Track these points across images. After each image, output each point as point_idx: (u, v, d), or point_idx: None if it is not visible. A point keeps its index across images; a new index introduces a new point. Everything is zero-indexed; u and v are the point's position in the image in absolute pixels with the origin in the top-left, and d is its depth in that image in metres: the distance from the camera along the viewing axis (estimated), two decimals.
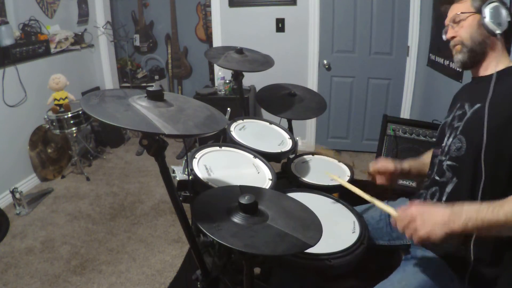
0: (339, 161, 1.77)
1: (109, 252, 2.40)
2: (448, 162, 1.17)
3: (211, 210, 0.97)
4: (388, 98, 3.67)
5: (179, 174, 1.27)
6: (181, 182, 1.25)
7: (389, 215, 1.42)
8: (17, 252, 2.41)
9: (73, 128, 3.16)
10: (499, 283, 1.08)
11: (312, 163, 1.74)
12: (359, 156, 3.79)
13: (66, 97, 3.21)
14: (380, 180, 1.42)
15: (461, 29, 1.19)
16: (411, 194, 1.43)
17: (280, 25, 3.66)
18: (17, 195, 2.82)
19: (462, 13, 1.18)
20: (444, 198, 1.17)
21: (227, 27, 3.80)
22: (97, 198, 3.09)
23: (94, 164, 3.73)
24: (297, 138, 1.76)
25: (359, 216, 1.31)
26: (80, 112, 3.17)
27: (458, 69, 2.41)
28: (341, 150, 3.24)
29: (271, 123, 1.87)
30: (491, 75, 1.12)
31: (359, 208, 1.44)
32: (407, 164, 1.42)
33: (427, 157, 1.41)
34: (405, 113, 3.60)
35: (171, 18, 4.39)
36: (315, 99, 1.99)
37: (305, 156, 1.78)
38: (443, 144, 1.23)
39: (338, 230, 1.23)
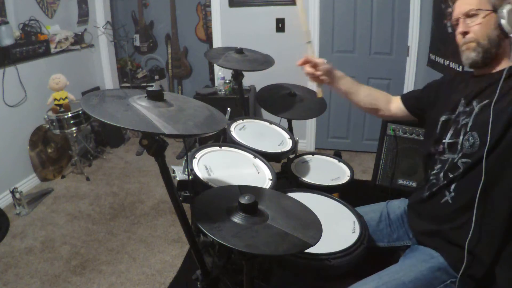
0: (339, 161, 1.77)
1: (109, 252, 2.40)
2: (463, 160, 1.15)
3: (211, 210, 0.97)
4: None
5: (179, 174, 1.27)
6: (181, 182, 1.25)
7: (388, 216, 1.42)
8: (17, 252, 2.41)
9: (73, 128, 3.16)
10: (498, 280, 1.08)
11: (312, 163, 1.74)
12: (359, 156, 3.79)
13: (66, 97, 3.21)
14: (308, 69, 1.51)
15: (476, 27, 1.14)
16: (411, 194, 1.42)
17: (280, 25, 3.66)
18: (17, 195, 2.82)
19: (479, 9, 1.13)
20: (452, 194, 1.17)
21: (227, 27, 3.79)
22: (97, 198, 3.09)
23: (94, 164, 3.73)
24: (297, 138, 1.76)
25: (359, 216, 1.31)
26: (80, 112, 3.17)
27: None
28: (341, 150, 3.25)
29: (271, 123, 1.87)
30: (499, 73, 1.11)
31: (358, 210, 1.44)
32: (341, 74, 1.48)
33: (364, 90, 1.48)
34: None
35: (171, 18, 4.39)
36: (315, 99, 1.99)
37: (305, 156, 1.78)
38: (445, 141, 1.22)
39: (338, 230, 1.23)
